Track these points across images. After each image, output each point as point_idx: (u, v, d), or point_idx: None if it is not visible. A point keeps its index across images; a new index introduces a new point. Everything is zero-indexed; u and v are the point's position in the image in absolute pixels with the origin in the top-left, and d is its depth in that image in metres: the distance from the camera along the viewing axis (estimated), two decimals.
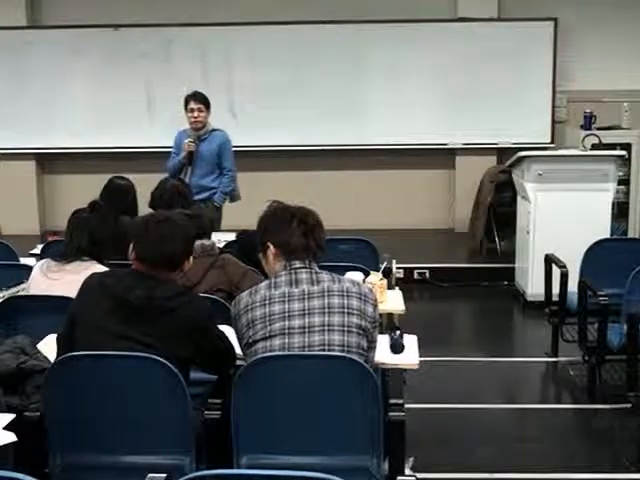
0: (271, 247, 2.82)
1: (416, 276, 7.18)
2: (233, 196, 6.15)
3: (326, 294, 2.71)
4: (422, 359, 3.08)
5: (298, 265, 2.77)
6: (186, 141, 5.91)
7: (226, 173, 6.03)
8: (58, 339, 2.88)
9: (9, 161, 8.62)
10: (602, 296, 4.31)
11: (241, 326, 2.75)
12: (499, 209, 7.80)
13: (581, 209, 6.08)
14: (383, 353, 3.00)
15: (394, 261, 4.74)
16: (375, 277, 3.75)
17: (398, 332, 3.10)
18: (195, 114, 5.91)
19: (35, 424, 2.66)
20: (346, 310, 2.70)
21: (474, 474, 3.71)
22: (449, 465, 3.76)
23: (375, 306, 2.80)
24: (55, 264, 3.55)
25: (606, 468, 3.77)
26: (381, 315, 3.10)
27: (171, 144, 6.19)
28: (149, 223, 2.87)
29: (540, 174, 6.18)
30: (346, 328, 2.68)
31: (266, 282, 2.79)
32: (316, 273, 2.77)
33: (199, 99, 5.96)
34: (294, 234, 2.79)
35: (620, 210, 7.58)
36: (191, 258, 2.89)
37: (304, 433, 2.65)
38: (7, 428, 2.41)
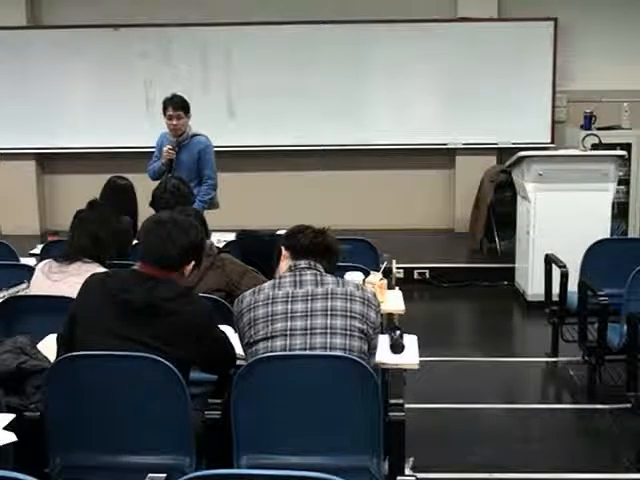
0: (283, 250, 2.89)
1: (416, 276, 7.18)
2: (211, 204, 5.81)
3: (329, 297, 2.71)
4: (422, 359, 3.08)
5: (303, 265, 2.79)
6: (165, 148, 5.64)
7: (205, 181, 5.71)
8: (58, 339, 2.88)
9: (9, 161, 8.62)
10: (602, 296, 4.32)
11: (243, 325, 2.76)
12: (499, 209, 7.80)
13: (581, 209, 6.08)
14: (383, 353, 3.00)
15: (394, 261, 4.74)
16: (375, 277, 3.75)
17: (398, 332, 3.10)
18: (174, 122, 5.58)
19: (35, 424, 2.65)
20: (349, 314, 2.70)
21: (474, 474, 3.71)
22: (449, 465, 3.76)
23: (378, 312, 2.81)
24: (57, 265, 3.55)
25: (606, 468, 3.77)
26: (381, 315, 3.10)
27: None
28: (153, 223, 2.87)
29: (540, 174, 6.18)
30: (348, 332, 2.68)
31: (270, 282, 2.81)
32: (321, 275, 2.79)
33: (178, 105, 5.59)
34: (304, 236, 2.87)
35: (620, 210, 7.59)
36: (192, 263, 2.85)
37: (304, 433, 2.65)
38: (7, 428, 2.41)
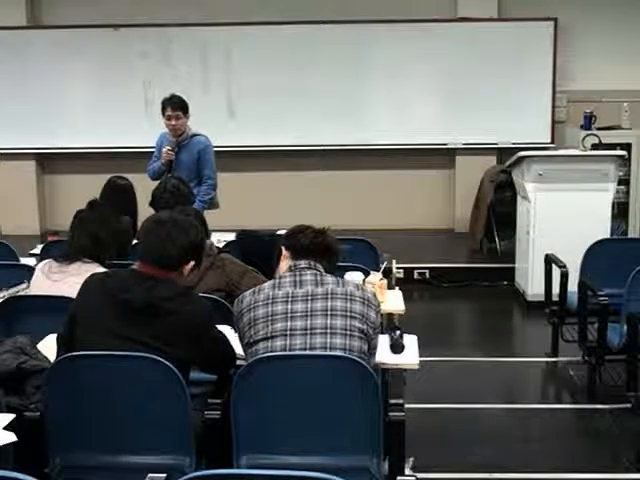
0: (283, 250, 2.89)
1: (416, 276, 7.18)
2: (211, 204, 5.79)
3: (329, 297, 2.71)
4: (422, 359, 3.08)
5: (303, 265, 2.79)
6: (164, 149, 5.63)
7: (205, 181, 5.70)
8: (58, 339, 2.88)
9: (9, 161, 8.62)
10: (602, 296, 4.32)
11: (243, 325, 2.76)
12: (499, 209, 7.80)
13: (581, 209, 6.08)
14: (383, 353, 3.00)
15: (394, 261, 4.74)
16: (375, 277, 3.75)
17: (398, 332, 3.10)
18: (172, 122, 5.58)
19: (35, 424, 2.65)
20: (349, 314, 2.70)
21: (474, 474, 3.71)
22: (449, 465, 3.76)
23: (378, 312, 2.81)
24: (57, 265, 3.55)
25: (606, 468, 3.77)
26: (381, 315, 3.11)
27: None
28: (153, 223, 2.87)
29: (540, 174, 6.18)
30: (348, 332, 2.68)
31: (270, 282, 2.81)
32: (321, 275, 2.79)
33: (176, 105, 5.58)
34: (304, 236, 2.87)
35: (620, 210, 7.59)
36: (191, 263, 2.84)
37: (304, 433, 2.65)
38: (7, 428, 2.41)
